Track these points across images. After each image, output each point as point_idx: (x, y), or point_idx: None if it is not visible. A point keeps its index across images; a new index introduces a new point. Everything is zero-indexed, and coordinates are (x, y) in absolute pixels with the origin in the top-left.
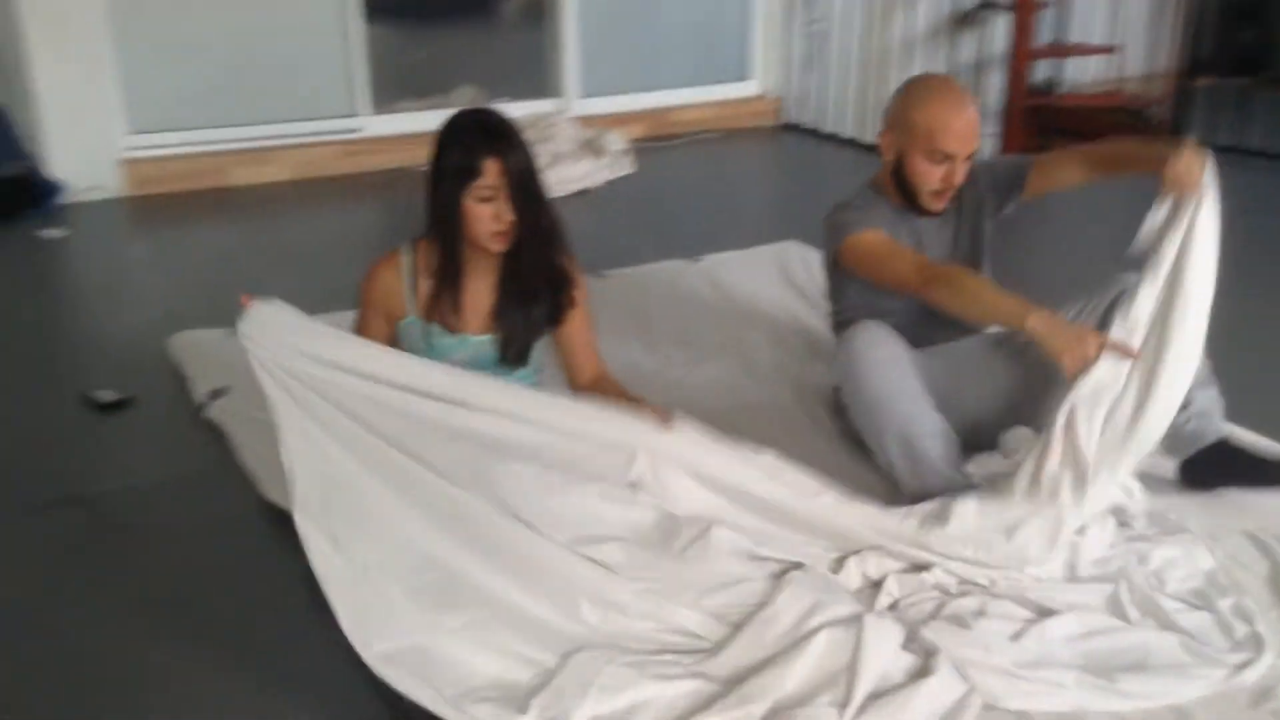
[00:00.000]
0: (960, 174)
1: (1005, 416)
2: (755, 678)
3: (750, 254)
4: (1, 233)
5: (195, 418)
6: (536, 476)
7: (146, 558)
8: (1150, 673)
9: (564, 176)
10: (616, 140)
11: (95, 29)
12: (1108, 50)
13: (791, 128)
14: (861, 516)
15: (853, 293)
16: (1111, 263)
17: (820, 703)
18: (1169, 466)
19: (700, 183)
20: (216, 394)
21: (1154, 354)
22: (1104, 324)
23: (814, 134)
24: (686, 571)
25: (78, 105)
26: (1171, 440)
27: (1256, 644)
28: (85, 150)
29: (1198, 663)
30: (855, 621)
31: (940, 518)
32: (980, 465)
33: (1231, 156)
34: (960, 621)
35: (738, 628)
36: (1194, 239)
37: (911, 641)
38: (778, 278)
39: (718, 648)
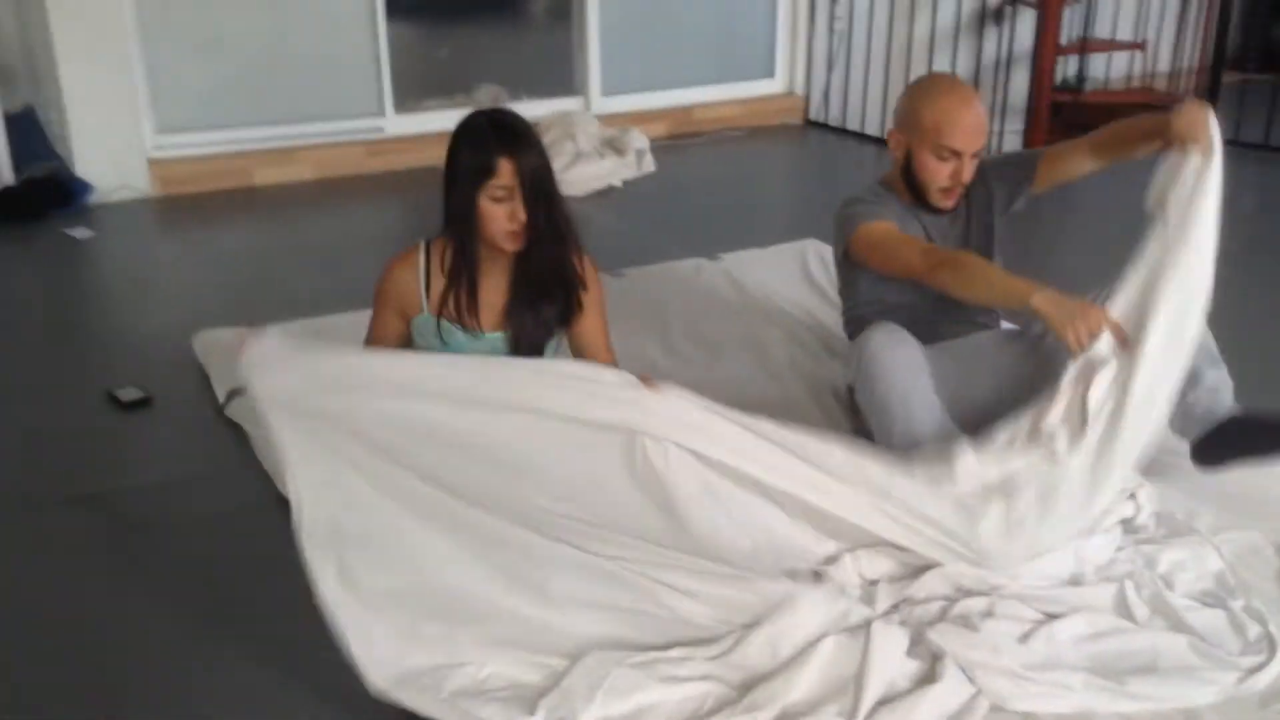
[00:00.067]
0: (968, 171)
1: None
2: (763, 685)
3: (770, 252)
4: (31, 232)
5: (217, 416)
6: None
7: (168, 554)
8: (1159, 675)
9: (586, 175)
10: (639, 139)
11: (123, 30)
12: (1135, 46)
13: (815, 125)
14: (864, 478)
15: (864, 286)
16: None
17: (828, 712)
18: (1174, 464)
19: (722, 181)
20: (238, 392)
21: (1156, 306)
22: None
23: (838, 131)
24: (698, 568)
25: (106, 106)
26: (1182, 421)
27: (1270, 646)
28: (113, 150)
29: (1208, 666)
30: (862, 629)
31: (945, 474)
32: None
33: (1260, 153)
34: (968, 623)
35: (748, 629)
36: (1201, 193)
37: (918, 645)
38: (797, 276)
39: (730, 648)
